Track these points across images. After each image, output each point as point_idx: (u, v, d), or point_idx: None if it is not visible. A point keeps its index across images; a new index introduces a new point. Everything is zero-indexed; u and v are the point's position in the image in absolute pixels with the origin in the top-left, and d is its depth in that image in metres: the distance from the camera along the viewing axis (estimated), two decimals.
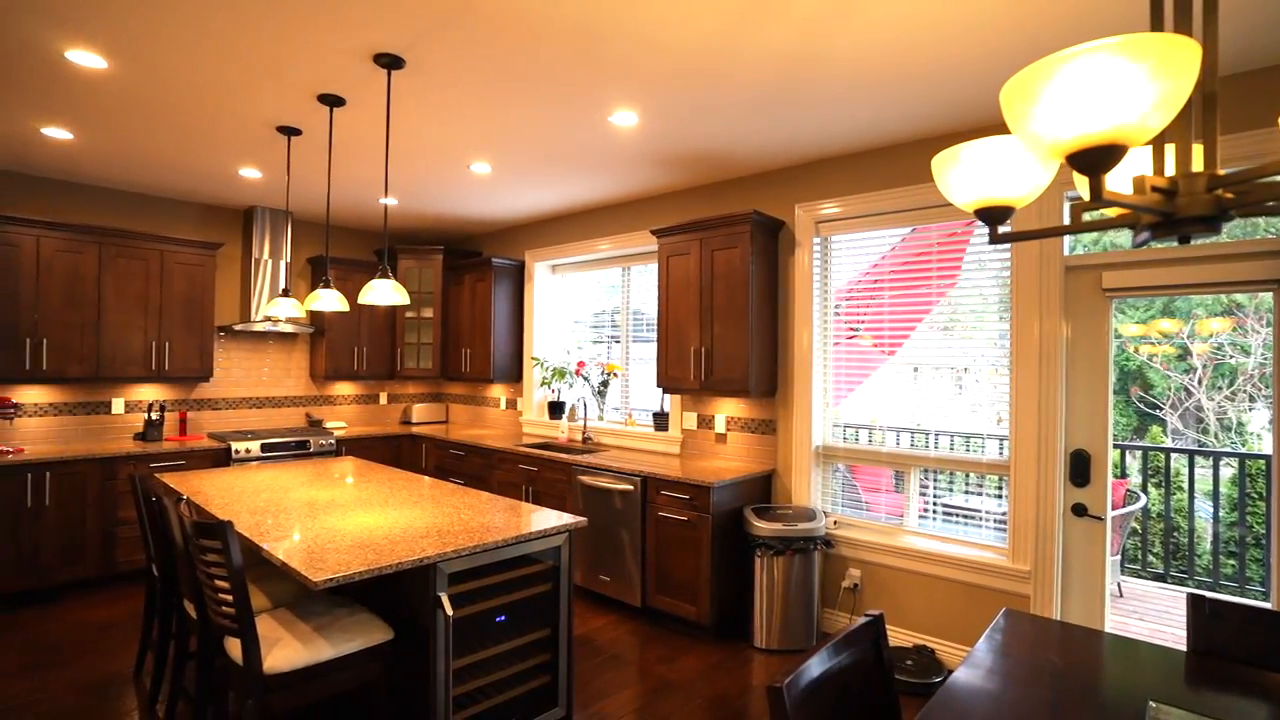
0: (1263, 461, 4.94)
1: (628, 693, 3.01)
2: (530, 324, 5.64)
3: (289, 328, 5.05)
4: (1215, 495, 4.62)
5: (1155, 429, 7.05)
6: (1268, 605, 1.73)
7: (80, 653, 3.31)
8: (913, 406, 3.55)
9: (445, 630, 2.19)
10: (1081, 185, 0.95)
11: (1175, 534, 4.89)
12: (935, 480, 3.51)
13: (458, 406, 6.43)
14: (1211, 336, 6.56)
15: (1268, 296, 4.40)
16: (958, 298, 3.38)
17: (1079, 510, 2.94)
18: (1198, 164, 0.94)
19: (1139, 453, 5.20)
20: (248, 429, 5.27)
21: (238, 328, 4.86)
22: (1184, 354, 6.82)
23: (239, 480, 3.30)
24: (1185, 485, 4.81)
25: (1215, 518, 4.58)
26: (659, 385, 4.22)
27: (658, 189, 4.53)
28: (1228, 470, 4.90)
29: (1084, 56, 0.75)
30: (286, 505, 2.76)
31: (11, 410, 4.10)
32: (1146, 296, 3.17)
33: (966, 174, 1.09)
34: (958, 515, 3.42)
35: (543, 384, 5.34)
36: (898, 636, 3.42)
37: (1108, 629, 2.96)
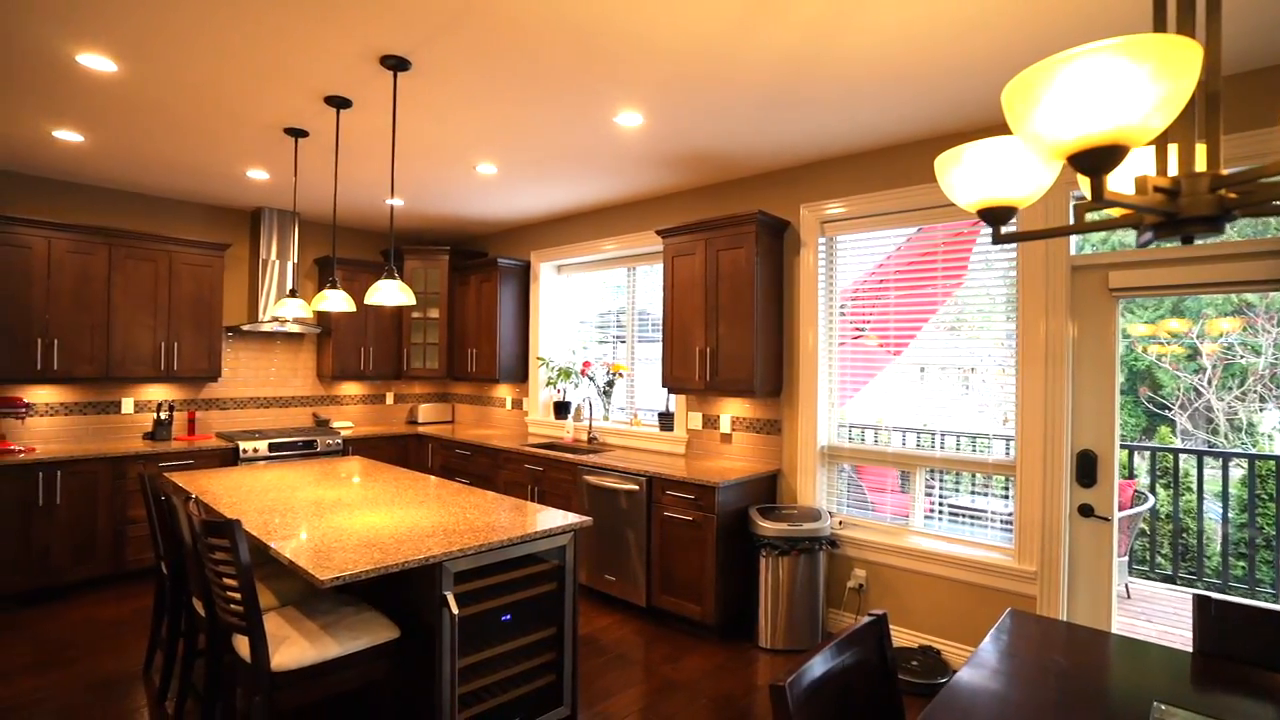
0: (1273, 462, 4.90)
1: (632, 692, 3.01)
2: (536, 324, 5.66)
3: (296, 328, 5.08)
4: (1224, 496, 4.58)
5: (1164, 429, 7.01)
6: (1276, 607, 1.72)
7: (91, 650, 3.34)
8: (919, 407, 3.54)
9: (451, 629, 2.20)
10: (1085, 185, 0.95)
11: (1184, 535, 4.86)
12: (941, 481, 3.50)
13: (464, 406, 6.46)
14: (1221, 336, 6.51)
15: (1278, 296, 4.37)
16: (964, 297, 3.37)
17: (1085, 511, 2.93)
18: (1201, 164, 0.94)
19: (1147, 453, 5.17)
20: (255, 429, 5.31)
21: (245, 328, 4.89)
22: (1193, 354, 6.77)
23: (247, 479, 3.32)
24: (1194, 486, 4.78)
25: (1224, 519, 4.55)
26: (664, 385, 4.22)
27: (663, 189, 4.54)
28: (1237, 471, 4.87)
29: (1085, 57, 0.75)
30: (294, 504, 2.78)
31: (23, 410, 4.14)
32: (1154, 296, 3.15)
33: (969, 174, 1.09)
34: (964, 516, 3.41)
35: (548, 384, 5.36)
36: (903, 637, 3.42)
37: (1115, 630, 2.94)
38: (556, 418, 5.34)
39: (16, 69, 2.74)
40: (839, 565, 3.68)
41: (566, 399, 5.38)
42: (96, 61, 2.65)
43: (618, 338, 5.24)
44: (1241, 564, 4.63)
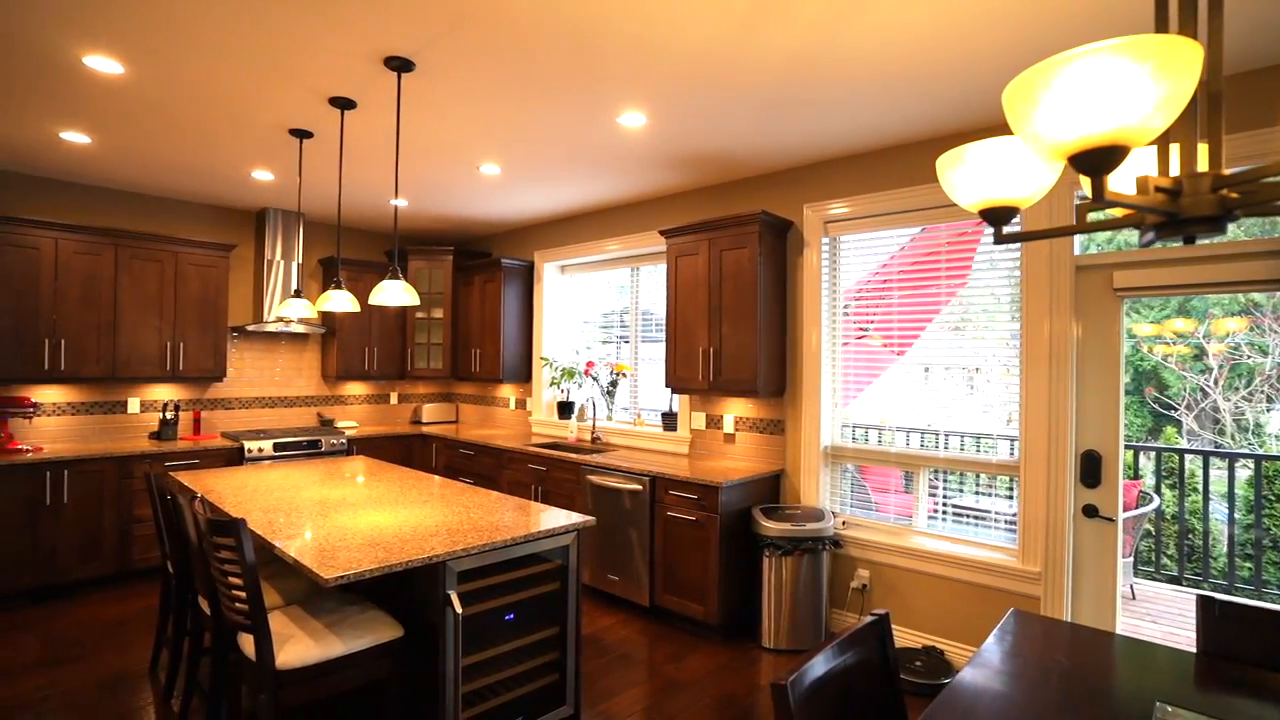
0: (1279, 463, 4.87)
1: (635, 691, 3.02)
2: (539, 324, 5.67)
3: (301, 328, 5.11)
4: (1230, 497, 4.56)
5: (1170, 430, 6.98)
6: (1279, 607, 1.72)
7: (97, 648, 3.36)
8: (923, 407, 3.54)
9: (454, 628, 2.21)
10: (1087, 185, 0.95)
11: (1190, 536, 4.84)
12: (945, 481, 3.50)
13: (468, 406, 6.47)
14: (1228, 336, 6.47)
15: None
16: (969, 297, 3.37)
17: (1090, 511, 2.92)
18: (1203, 164, 0.94)
19: (1153, 454, 5.15)
20: (260, 428, 5.33)
21: (250, 328, 4.91)
22: (1200, 354, 6.74)
23: (252, 479, 3.34)
24: (1200, 487, 4.76)
25: (1231, 520, 4.53)
26: (668, 385, 4.23)
27: (666, 189, 4.54)
28: (1244, 472, 4.84)
29: (1085, 58, 0.75)
30: (298, 504, 2.80)
31: (30, 409, 4.17)
32: (1159, 296, 3.14)
33: (970, 175, 1.09)
34: (968, 516, 3.40)
35: (552, 384, 5.37)
36: (907, 637, 3.41)
37: (1119, 631, 2.93)
38: (560, 418, 5.35)
39: (24, 71, 2.76)
40: (842, 565, 3.67)
41: (570, 399, 5.39)
42: (103, 63, 2.67)
43: (621, 338, 5.24)
44: (1248, 565, 4.60)
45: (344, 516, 2.59)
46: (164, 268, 4.62)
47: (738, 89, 2.84)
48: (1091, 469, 2.92)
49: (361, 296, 5.66)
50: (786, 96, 2.91)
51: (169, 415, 4.87)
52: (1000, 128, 3.20)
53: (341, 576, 1.90)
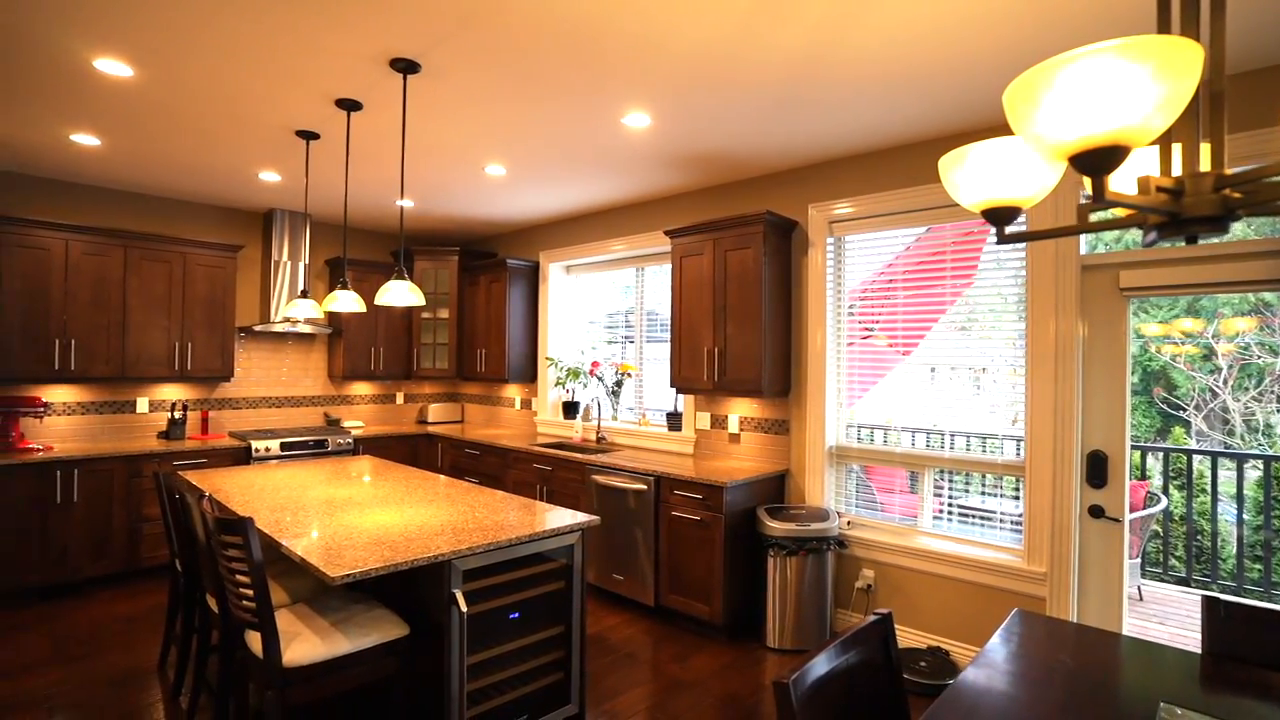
0: None
1: (640, 691, 3.02)
2: (545, 324, 5.68)
3: (307, 328, 5.13)
4: (1239, 498, 4.53)
5: (1178, 430, 6.93)
6: None
7: (107, 645, 3.39)
8: (929, 407, 3.53)
9: (460, 626, 2.22)
10: (1089, 185, 0.95)
11: (1198, 537, 4.81)
12: (951, 481, 3.49)
13: (473, 406, 6.49)
14: (1238, 336, 6.43)
15: None
16: (975, 297, 3.36)
17: (1096, 512, 2.91)
18: (1205, 164, 0.94)
19: (1160, 454, 5.12)
20: (267, 428, 5.36)
21: (257, 328, 4.95)
22: (1209, 354, 6.69)
23: (259, 478, 3.36)
24: (1209, 487, 4.72)
25: (1239, 521, 4.50)
26: (672, 385, 4.23)
27: (671, 190, 4.54)
28: (1254, 473, 4.81)
29: (1086, 59, 0.75)
30: (305, 503, 2.82)
31: (41, 409, 4.21)
32: (1166, 296, 3.12)
33: (973, 175, 1.09)
34: (974, 516, 3.40)
35: (557, 384, 5.38)
36: (912, 638, 3.41)
37: (1126, 632, 2.92)
38: (565, 418, 5.36)
39: (36, 75, 2.79)
40: (847, 565, 3.67)
41: (575, 399, 5.40)
42: (113, 67, 2.69)
43: (626, 338, 5.25)
44: (1257, 567, 4.57)
45: (350, 515, 2.60)
46: (172, 268, 4.66)
47: (742, 89, 2.84)
48: (1098, 469, 2.91)
49: (367, 297, 5.69)
50: (791, 96, 2.91)
51: (177, 415, 4.91)
52: (1004, 128, 3.19)
53: (347, 575, 1.92)
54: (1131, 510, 3.89)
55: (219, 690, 2.38)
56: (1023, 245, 3.17)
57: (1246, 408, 6.64)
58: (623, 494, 4.02)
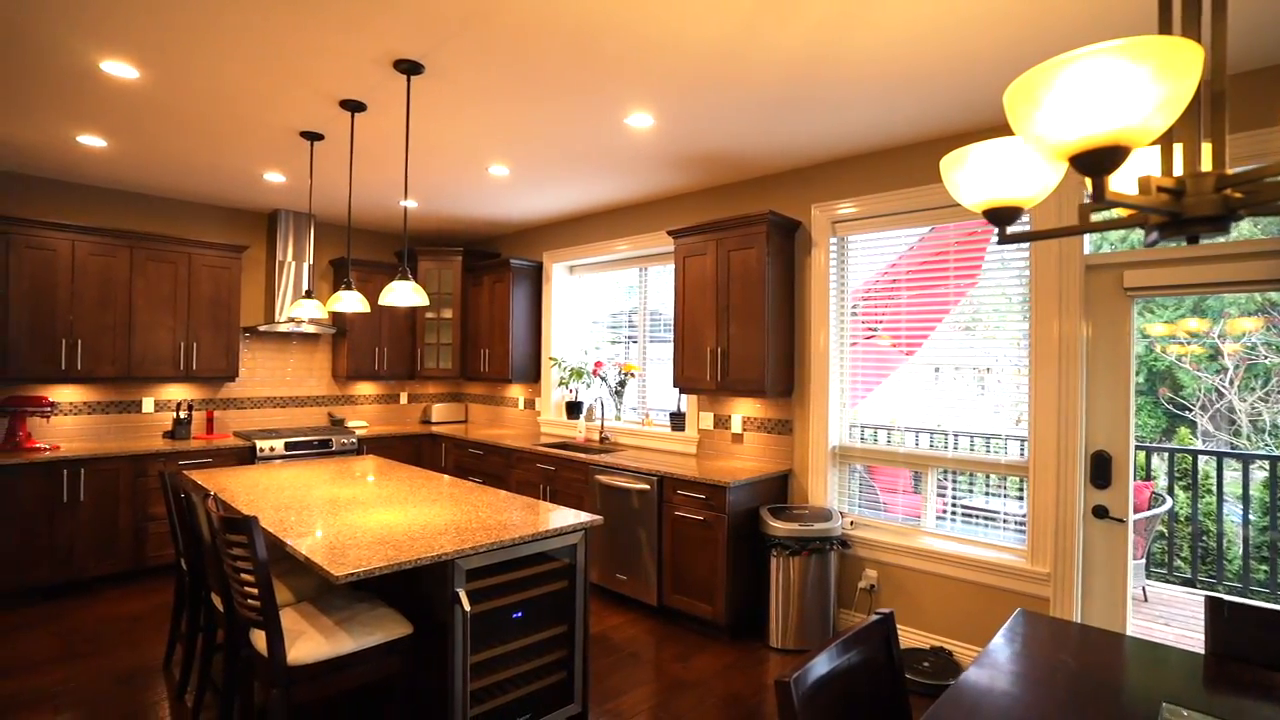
0: None
1: (643, 690, 3.03)
2: (548, 324, 5.69)
3: (312, 328, 5.15)
4: (1245, 498, 4.51)
5: (1184, 430, 6.90)
6: None
7: (113, 643, 3.41)
8: (933, 407, 3.52)
9: (463, 625, 2.23)
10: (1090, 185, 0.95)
11: (1204, 538, 4.79)
12: (955, 481, 3.48)
13: (477, 406, 6.51)
14: (1244, 336, 6.39)
15: None
16: (980, 297, 3.35)
17: (1100, 512, 2.90)
18: (1206, 163, 0.94)
19: (1165, 455, 5.10)
20: (272, 428, 5.38)
21: (262, 328, 4.97)
22: (1215, 354, 6.66)
23: (264, 478, 3.38)
24: (1214, 488, 4.70)
25: (1245, 521, 4.48)
26: (676, 385, 4.23)
27: (674, 190, 4.55)
28: (1260, 473, 4.78)
29: (1086, 59, 0.76)
30: (309, 502, 2.83)
31: (48, 409, 4.24)
32: (1170, 296, 3.11)
33: (974, 175, 1.09)
34: (978, 517, 3.39)
35: (560, 384, 5.39)
36: (915, 638, 3.40)
37: (1130, 633, 2.91)
38: (569, 418, 5.37)
39: (44, 77, 2.81)
40: (850, 566, 3.67)
41: (579, 399, 5.41)
42: (120, 69, 2.71)
43: (629, 338, 5.25)
44: (1264, 568, 4.55)
45: (354, 515, 2.61)
46: (178, 269, 4.68)
47: (745, 89, 2.85)
48: (1102, 470, 2.90)
49: (372, 297, 5.71)
50: (794, 96, 2.92)
51: (182, 415, 4.93)
52: (1008, 127, 3.18)
53: (351, 574, 1.93)
54: (1136, 511, 3.88)
55: (224, 688, 2.40)
56: (1026, 245, 3.17)
57: (1253, 408, 6.60)
58: (626, 494, 4.02)
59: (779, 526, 3.45)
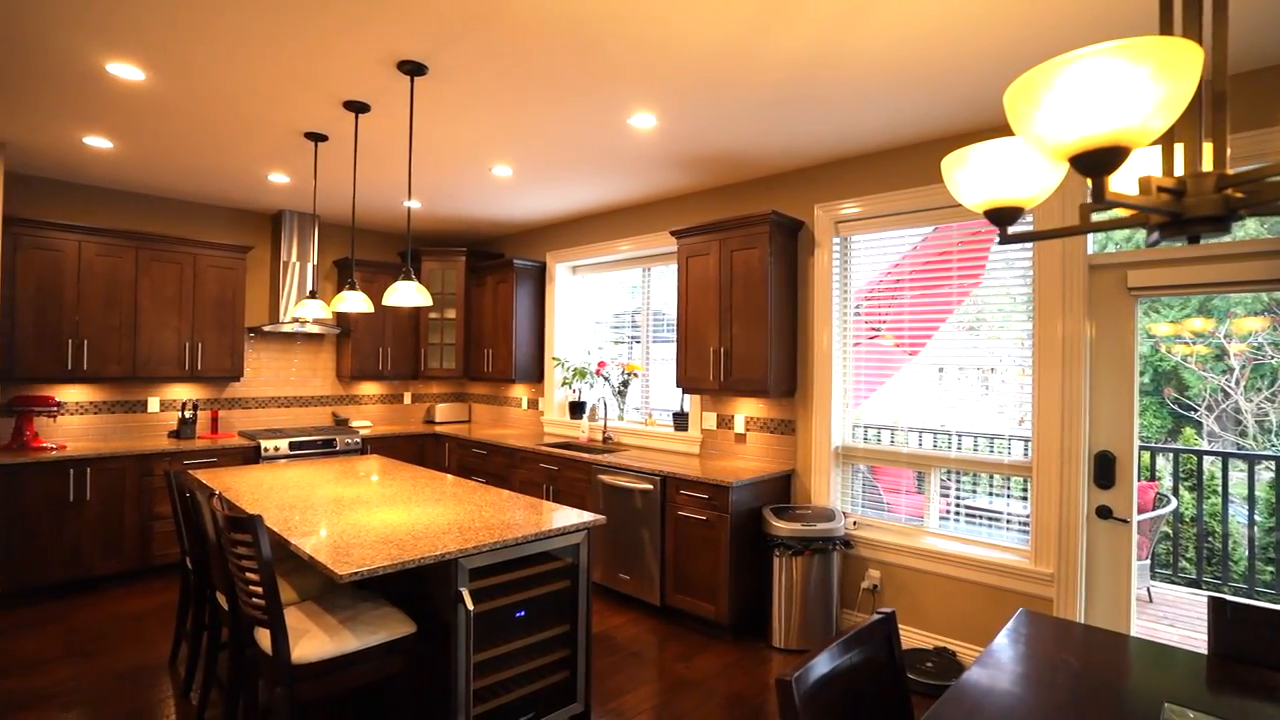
0: None
1: (645, 690, 3.03)
2: (551, 324, 5.70)
3: (316, 329, 5.17)
4: (1250, 499, 4.49)
5: (1189, 431, 6.87)
6: None
7: (119, 641, 3.43)
8: (937, 407, 3.52)
9: (466, 624, 2.23)
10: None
11: (1209, 539, 4.77)
12: (959, 482, 3.48)
13: (480, 406, 6.52)
14: (1250, 335, 6.36)
15: None
16: (984, 297, 3.35)
17: (1104, 513, 2.90)
18: (1207, 163, 0.94)
19: (1170, 455, 5.08)
20: (276, 427, 5.41)
21: (267, 329, 4.99)
22: (1221, 354, 6.63)
23: (268, 477, 3.39)
24: (1220, 489, 4.69)
25: (1251, 522, 4.46)
26: (679, 385, 4.24)
27: (677, 190, 4.55)
28: (1266, 474, 4.76)
29: (1085, 60, 0.76)
30: (314, 502, 2.84)
31: (55, 409, 4.26)
32: (1175, 295, 3.10)
33: (975, 175, 1.09)
34: (981, 517, 3.38)
35: (564, 384, 5.40)
36: (919, 638, 3.40)
37: (1134, 634, 2.91)
38: (572, 417, 5.38)
39: (52, 80, 2.83)
40: (853, 566, 3.66)
41: (582, 399, 5.42)
42: (126, 71, 2.73)
43: (633, 338, 5.26)
44: (1269, 569, 4.53)
45: (358, 514, 2.63)
46: (183, 269, 4.71)
47: (747, 89, 2.85)
48: (1105, 470, 2.90)
49: (375, 297, 5.73)
50: (796, 96, 2.92)
51: (188, 414, 4.96)
52: (1010, 128, 3.18)
53: (355, 573, 1.94)
54: (1140, 511, 3.86)
55: (229, 686, 2.41)
56: (1030, 245, 3.16)
57: (1259, 408, 6.57)
58: (629, 494, 4.03)
59: (782, 526, 3.45)
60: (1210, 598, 1.73)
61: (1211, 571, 4.67)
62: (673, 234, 4.24)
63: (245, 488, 3.11)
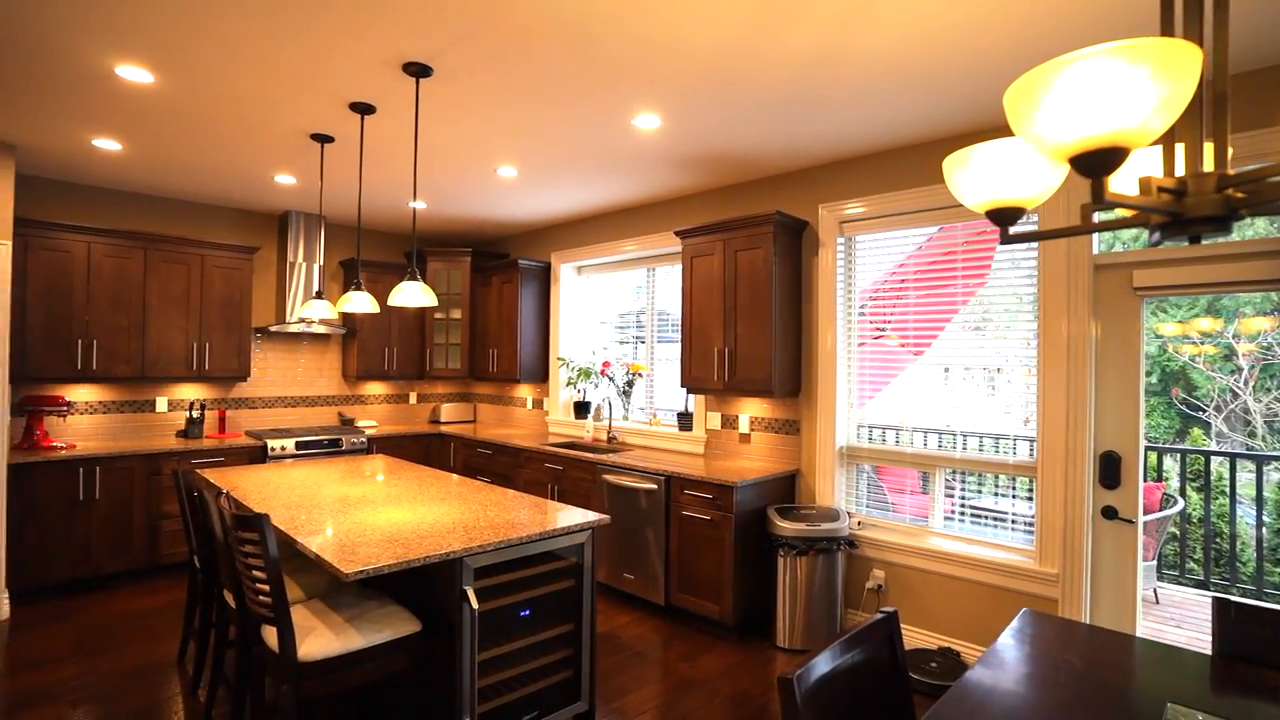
0: None
1: (650, 689, 3.04)
2: (556, 325, 5.71)
3: (322, 329, 5.20)
4: (1259, 500, 4.46)
5: (1197, 431, 6.83)
6: None
7: (127, 640, 3.46)
8: (942, 407, 3.51)
9: (471, 623, 2.25)
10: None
11: (1217, 540, 4.74)
12: (964, 482, 3.47)
13: (485, 406, 6.54)
14: (1259, 335, 6.32)
15: None
16: (990, 297, 3.34)
17: (1109, 513, 2.89)
18: (1208, 164, 0.94)
19: (1177, 455, 5.05)
20: (283, 427, 5.44)
21: (273, 329, 5.02)
22: (1229, 354, 6.59)
23: (275, 476, 3.42)
24: (1228, 489, 4.66)
25: (1259, 523, 4.43)
26: (683, 385, 4.24)
27: (681, 190, 4.56)
28: (1275, 474, 4.73)
29: (1083, 61, 0.76)
30: (320, 501, 2.86)
31: (65, 408, 4.30)
32: (1181, 295, 3.09)
33: (976, 176, 1.10)
34: (986, 517, 3.38)
35: (569, 384, 5.41)
36: (923, 638, 3.39)
37: (1140, 635, 2.90)
38: (576, 417, 5.39)
39: (60, 82, 2.86)
40: (858, 566, 3.66)
41: (586, 399, 5.43)
42: (134, 73, 2.75)
43: (637, 338, 5.27)
44: (1278, 570, 4.50)
45: (364, 513, 2.64)
46: (190, 270, 4.74)
47: (751, 89, 2.85)
48: (1111, 470, 2.89)
49: (381, 298, 5.75)
50: (800, 95, 2.92)
51: (195, 414, 4.99)
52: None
53: (361, 571, 1.95)
54: (1147, 512, 3.84)
55: (236, 684, 2.43)
56: (1036, 245, 3.15)
57: (1268, 409, 6.52)
58: (633, 493, 4.03)
59: (786, 526, 3.45)
60: (1214, 598, 1.73)
61: (1219, 573, 4.64)
62: (677, 234, 4.25)
63: (252, 487, 3.13)
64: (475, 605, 2.22)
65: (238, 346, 4.95)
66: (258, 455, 4.75)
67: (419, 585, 2.46)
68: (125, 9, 2.26)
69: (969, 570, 3.24)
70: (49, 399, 4.25)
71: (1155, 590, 4.30)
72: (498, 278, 5.80)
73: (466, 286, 5.99)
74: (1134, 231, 4.23)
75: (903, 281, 3.66)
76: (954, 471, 3.46)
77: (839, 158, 3.77)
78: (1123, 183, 1.12)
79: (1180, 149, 0.96)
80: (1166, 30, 0.98)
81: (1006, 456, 3.27)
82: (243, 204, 5.12)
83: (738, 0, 2.15)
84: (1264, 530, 4.42)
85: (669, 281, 5.00)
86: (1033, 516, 3.16)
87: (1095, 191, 0.83)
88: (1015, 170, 1.06)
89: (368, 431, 5.48)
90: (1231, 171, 0.89)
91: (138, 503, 4.27)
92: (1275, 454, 5.76)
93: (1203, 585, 4.58)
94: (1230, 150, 0.94)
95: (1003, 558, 3.16)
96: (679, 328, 4.71)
